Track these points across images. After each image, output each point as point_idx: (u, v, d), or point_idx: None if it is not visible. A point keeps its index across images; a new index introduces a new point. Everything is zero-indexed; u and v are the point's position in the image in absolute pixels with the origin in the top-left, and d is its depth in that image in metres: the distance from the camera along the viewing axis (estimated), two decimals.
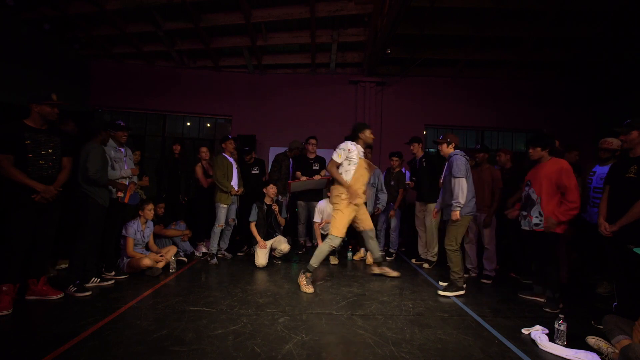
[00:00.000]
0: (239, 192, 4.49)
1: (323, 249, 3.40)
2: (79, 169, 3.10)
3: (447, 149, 3.53)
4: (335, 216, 3.47)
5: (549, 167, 3.06)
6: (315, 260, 3.38)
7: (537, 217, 3.05)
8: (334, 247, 3.40)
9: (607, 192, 2.77)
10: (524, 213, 3.18)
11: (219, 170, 4.33)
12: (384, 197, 4.68)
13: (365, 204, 4.63)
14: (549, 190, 3.00)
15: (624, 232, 2.52)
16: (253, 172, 5.08)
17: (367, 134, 3.59)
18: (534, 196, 3.09)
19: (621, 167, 2.66)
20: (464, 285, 3.38)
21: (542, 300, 3.19)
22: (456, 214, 3.28)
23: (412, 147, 4.67)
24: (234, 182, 4.45)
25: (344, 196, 3.41)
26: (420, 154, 4.65)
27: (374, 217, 4.68)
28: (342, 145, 3.52)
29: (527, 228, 3.15)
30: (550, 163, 3.07)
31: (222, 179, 4.31)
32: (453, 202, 3.28)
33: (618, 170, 2.69)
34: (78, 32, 5.84)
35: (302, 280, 3.30)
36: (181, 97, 7.05)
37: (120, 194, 3.47)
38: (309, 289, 3.24)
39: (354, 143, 3.53)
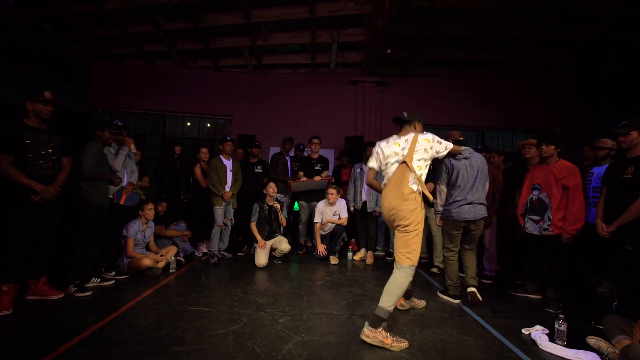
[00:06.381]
0: (227, 198, 4.42)
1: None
2: (78, 168, 3.11)
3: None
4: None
5: (557, 169, 3.01)
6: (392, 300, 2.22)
7: (547, 222, 3.03)
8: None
9: (604, 193, 2.78)
10: (536, 217, 3.10)
11: (213, 173, 4.40)
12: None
13: (366, 202, 4.68)
14: (557, 195, 2.98)
15: (622, 232, 2.53)
16: (257, 170, 5.10)
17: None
18: (547, 201, 3.04)
19: (618, 168, 2.67)
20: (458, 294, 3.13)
21: (534, 297, 3.24)
22: None
23: None
24: (228, 185, 4.49)
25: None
26: None
27: (374, 217, 4.69)
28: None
29: (535, 232, 3.10)
30: (560, 165, 3.03)
31: (216, 182, 4.37)
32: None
33: (615, 171, 2.69)
34: (78, 32, 5.84)
35: (382, 335, 2.16)
36: (181, 97, 7.05)
37: (115, 188, 3.45)
38: (402, 344, 2.16)
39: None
